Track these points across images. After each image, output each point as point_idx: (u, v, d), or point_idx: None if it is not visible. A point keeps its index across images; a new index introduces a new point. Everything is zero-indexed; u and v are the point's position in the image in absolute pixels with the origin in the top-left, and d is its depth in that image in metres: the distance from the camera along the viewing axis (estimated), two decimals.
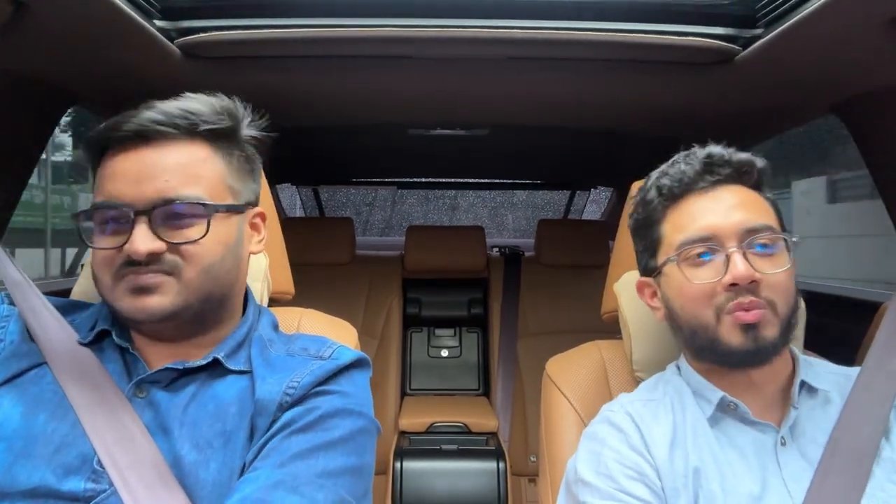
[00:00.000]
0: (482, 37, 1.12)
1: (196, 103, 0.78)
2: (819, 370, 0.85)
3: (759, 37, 1.10)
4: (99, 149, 0.77)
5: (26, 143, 1.25)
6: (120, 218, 0.73)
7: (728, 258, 0.77)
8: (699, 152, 0.84)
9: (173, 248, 0.73)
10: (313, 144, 2.17)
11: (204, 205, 0.74)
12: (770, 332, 0.76)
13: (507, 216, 3.41)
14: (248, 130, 0.83)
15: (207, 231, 0.74)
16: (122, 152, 0.74)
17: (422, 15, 1.11)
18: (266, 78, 1.33)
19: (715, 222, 0.79)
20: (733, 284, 0.76)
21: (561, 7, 1.11)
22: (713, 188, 0.82)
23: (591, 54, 1.19)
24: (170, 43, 1.12)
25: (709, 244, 0.79)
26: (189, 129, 0.76)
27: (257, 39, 1.13)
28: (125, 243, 0.71)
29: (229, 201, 0.79)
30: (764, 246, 0.79)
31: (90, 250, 1.01)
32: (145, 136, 0.74)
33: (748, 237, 0.78)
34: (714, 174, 0.82)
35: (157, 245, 0.72)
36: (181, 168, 0.75)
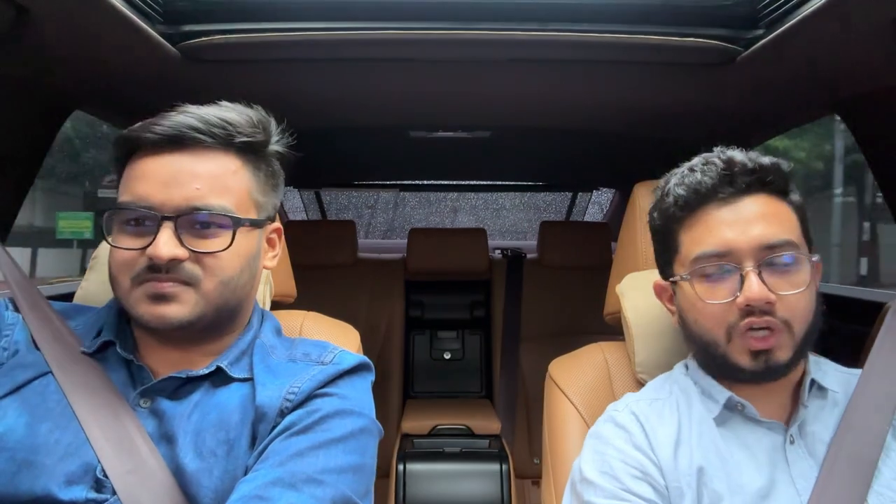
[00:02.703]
0: (484, 39, 1.12)
1: (233, 114, 0.78)
2: (827, 369, 0.84)
3: (760, 37, 1.09)
4: (129, 148, 0.76)
5: (29, 148, 1.25)
6: (145, 220, 0.73)
7: (743, 277, 0.75)
8: (718, 160, 0.80)
9: (195, 257, 0.73)
10: (315, 147, 2.17)
11: (231, 217, 0.74)
12: (783, 354, 0.75)
13: (509, 218, 3.41)
14: (274, 146, 0.83)
15: (231, 243, 0.74)
16: (155, 154, 0.74)
17: (423, 18, 1.11)
18: (268, 81, 1.33)
19: (732, 237, 0.76)
20: (748, 305, 0.74)
21: (562, 9, 1.11)
22: (734, 199, 0.78)
23: (591, 56, 1.19)
24: (171, 47, 1.13)
25: (724, 261, 0.77)
26: (225, 140, 0.76)
27: (259, 43, 1.13)
28: (147, 246, 0.71)
29: (253, 215, 0.79)
30: (783, 264, 0.76)
31: (95, 253, 1.01)
32: (180, 141, 0.74)
33: (766, 254, 0.75)
34: (734, 184, 0.78)
35: (181, 252, 0.71)
36: (212, 178, 0.74)
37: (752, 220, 0.77)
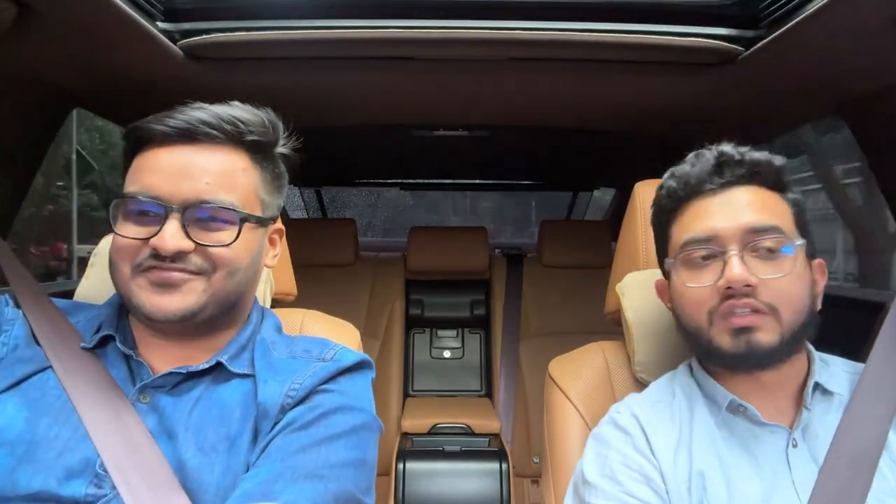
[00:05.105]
0: (484, 38, 1.12)
1: (245, 113, 0.79)
2: (835, 370, 0.82)
3: (761, 37, 1.10)
4: (140, 140, 0.77)
5: (30, 144, 1.25)
6: (152, 211, 0.73)
7: (726, 262, 0.75)
8: (709, 153, 0.81)
9: (200, 249, 0.73)
10: (316, 146, 2.16)
11: (237, 212, 0.75)
12: (766, 337, 0.74)
13: (510, 217, 3.41)
14: (281, 148, 0.85)
15: (237, 238, 0.75)
16: (166, 147, 0.75)
17: (424, 16, 1.11)
18: (268, 79, 1.33)
19: (718, 224, 0.77)
20: (728, 288, 0.74)
21: (564, 8, 1.11)
22: (724, 190, 0.79)
23: (593, 55, 1.19)
24: (173, 45, 1.13)
25: (710, 246, 0.77)
26: (236, 137, 0.77)
27: (260, 41, 1.13)
28: (153, 236, 0.71)
29: (258, 213, 0.80)
30: (767, 248, 0.76)
31: (95, 250, 1.01)
32: (192, 136, 0.75)
33: (751, 238, 0.75)
34: (724, 175, 0.79)
35: (186, 244, 0.72)
36: (222, 173, 0.75)
37: (740, 208, 0.78)
